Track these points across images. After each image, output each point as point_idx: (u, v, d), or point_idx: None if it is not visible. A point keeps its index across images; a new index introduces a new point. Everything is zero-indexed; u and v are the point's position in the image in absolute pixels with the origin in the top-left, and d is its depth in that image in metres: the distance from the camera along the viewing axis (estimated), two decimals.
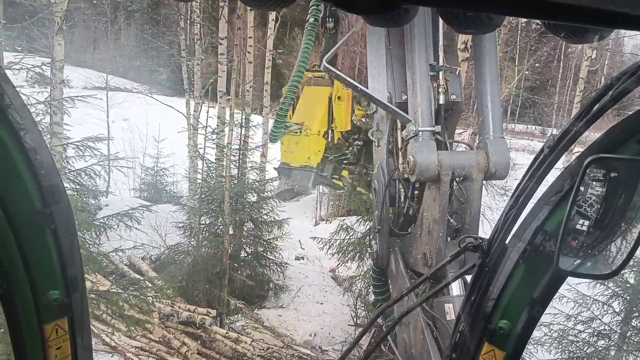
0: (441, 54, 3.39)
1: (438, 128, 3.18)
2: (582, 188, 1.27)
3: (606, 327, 9.73)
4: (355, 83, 3.53)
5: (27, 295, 1.39)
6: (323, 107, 6.86)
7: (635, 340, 9.61)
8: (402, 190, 3.58)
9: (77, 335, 1.52)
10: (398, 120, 3.49)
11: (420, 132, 3.08)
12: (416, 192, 3.56)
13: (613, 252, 1.30)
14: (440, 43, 3.40)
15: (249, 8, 16.51)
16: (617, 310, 9.62)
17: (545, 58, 38.05)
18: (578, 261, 1.34)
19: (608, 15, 0.71)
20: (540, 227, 1.50)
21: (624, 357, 9.57)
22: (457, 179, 3.06)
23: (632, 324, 9.59)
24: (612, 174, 1.27)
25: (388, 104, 3.31)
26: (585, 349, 9.72)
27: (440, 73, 3.35)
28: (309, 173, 6.80)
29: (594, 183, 1.29)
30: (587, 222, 1.31)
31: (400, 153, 3.56)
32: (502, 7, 0.81)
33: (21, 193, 1.32)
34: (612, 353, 9.78)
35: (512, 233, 1.57)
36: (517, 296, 1.58)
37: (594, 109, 1.31)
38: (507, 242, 1.59)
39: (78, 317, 1.50)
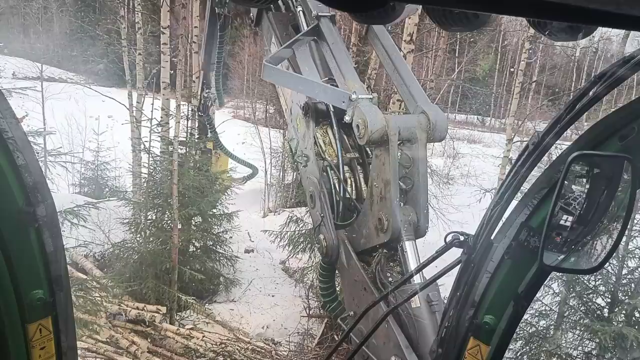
0: None
1: (374, 95, 3.43)
2: (566, 184, 1.31)
3: (547, 308, 10.25)
4: (301, 76, 3.73)
5: (10, 294, 1.36)
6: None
7: (572, 319, 10.19)
8: (335, 177, 3.74)
9: (62, 334, 1.49)
10: (320, 137, 3.86)
11: (361, 99, 3.29)
12: (348, 174, 3.76)
13: (596, 247, 1.35)
14: None
15: None
16: (557, 291, 10.14)
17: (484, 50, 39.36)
18: (562, 256, 1.38)
19: (592, 13, 0.73)
20: (525, 223, 1.53)
21: (562, 336, 10.12)
22: (401, 147, 3.23)
23: (570, 303, 10.15)
24: (595, 170, 1.32)
25: (328, 85, 3.61)
26: (527, 329, 10.20)
27: None
28: None
29: (578, 179, 1.33)
30: (570, 218, 1.35)
31: (326, 154, 3.83)
32: (488, 5, 0.82)
33: (4, 191, 1.30)
34: (552, 332, 10.32)
35: (497, 229, 1.61)
36: (502, 291, 1.61)
37: (578, 106, 1.35)
38: (492, 237, 1.62)
39: (62, 316, 1.48)
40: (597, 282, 9.76)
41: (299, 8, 4.35)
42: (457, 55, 34.15)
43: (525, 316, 10.18)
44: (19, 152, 1.29)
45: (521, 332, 10.14)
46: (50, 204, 1.39)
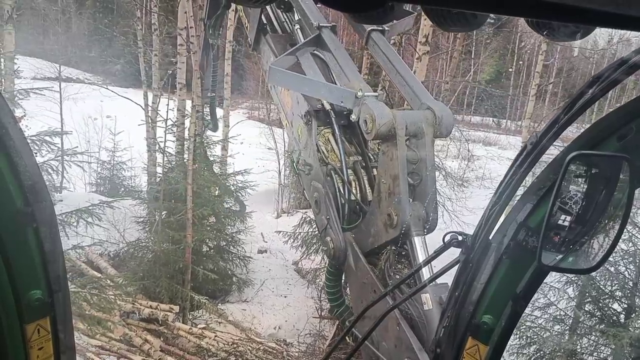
0: None
1: (380, 93, 3.45)
2: (564, 184, 1.30)
3: (561, 312, 10.12)
4: (307, 77, 3.78)
5: (8, 295, 1.35)
6: None
7: (588, 324, 10.05)
8: (339, 180, 3.75)
9: (60, 335, 1.48)
10: (322, 145, 3.90)
11: (367, 97, 3.30)
12: (352, 177, 3.77)
13: (594, 247, 1.34)
14: None
15: None
16: (572, 295, 10.01)
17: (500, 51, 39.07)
18: (560, 256, 1.37)
19: (591, 13, 0.73)
20: (524, 223, 1.52)
21: (577, 341, 9.98)
22: (407, 143, 3.23)
23: (585, 308, 10.01)
24: (594, 170, 1.31)
25: (334, 85, 3.66)
26: (542, 334, 10.08)
27: None
28: None
29: (576, 179, 1.32)
30: (569, 218, 1.34)
31: (329, 159, 3.84)
32: (485, 5, 0.82)
33: (2, 192, 1.29)
34: (567, 337, 10.19)
35: (495, 229, 1.60)
36: (501, 291, 1.60)
37: (577, 105, 1.34)
38: (490, 237, 1.61)
39: (61, 316, 1.47)
40: (614, 287, 9.62)
41: (297, 26, 4.41)
42: (472, 56, 33.89)
43: (540, 320, 10.08)
44: (17, 153, 1.29)
45: (535, 337, 10.03)
46: (48, 204, 1.39)
